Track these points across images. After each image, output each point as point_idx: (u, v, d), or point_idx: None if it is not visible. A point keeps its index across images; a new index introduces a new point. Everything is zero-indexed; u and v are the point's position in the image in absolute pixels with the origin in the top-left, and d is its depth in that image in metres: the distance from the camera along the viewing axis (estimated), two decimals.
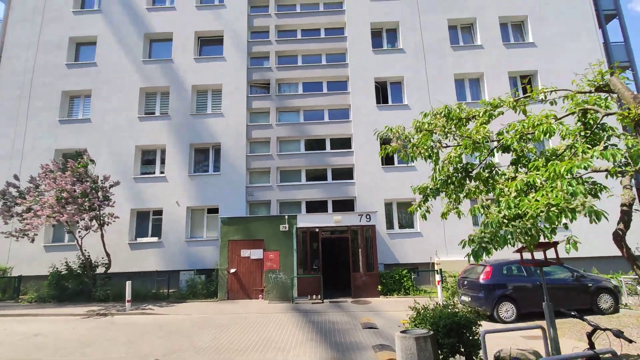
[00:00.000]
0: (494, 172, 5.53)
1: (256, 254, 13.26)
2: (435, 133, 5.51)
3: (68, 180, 12.63)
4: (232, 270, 13.10)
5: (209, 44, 18.67)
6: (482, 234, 4.00)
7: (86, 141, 16.80)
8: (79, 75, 17.73)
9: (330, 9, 18.80)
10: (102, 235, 13.68)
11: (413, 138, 5.92)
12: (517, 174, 5.37)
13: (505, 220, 3.86)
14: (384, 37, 18.56)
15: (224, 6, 18.56)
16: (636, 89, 18.54)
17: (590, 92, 4.22)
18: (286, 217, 13.54)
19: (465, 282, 10.33)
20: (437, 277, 11.48)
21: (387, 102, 17.60)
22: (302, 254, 13.87)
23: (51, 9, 18.52)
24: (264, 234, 13.41)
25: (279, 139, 17.32)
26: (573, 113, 4.31)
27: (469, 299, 9.88)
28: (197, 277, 14.01)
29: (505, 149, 5.10)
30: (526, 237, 3.66)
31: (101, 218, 13.63)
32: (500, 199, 4.25)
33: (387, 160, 16.89)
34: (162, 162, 17.08)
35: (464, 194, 5.70)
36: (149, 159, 17.41)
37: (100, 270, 14.34)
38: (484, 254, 4.08)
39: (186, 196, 16.42)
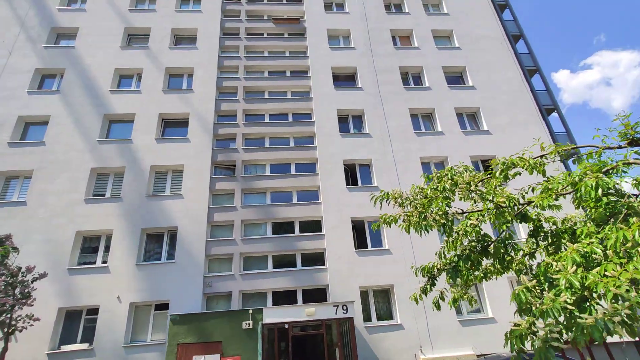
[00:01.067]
0: (509, 247, 4.66)
1: None
2: (455, 194, 4.66)
3: None
4: None
5: (173, 126, 18.17)
6: (548, 328, 2.85)
7: (16, 227, 14.47)
8: (22, 155, 16.11)
9: (297, 97, 19.45)
10: (4, 349, 10.58)
11: (409, 206, 5.01)
12: (536, 248, 4.53)
13: (568, 306, 2.81)
14: (350, 122, 19.14)
15: (191, 91, 18.63)
16: None
17: (619, 147, 3.71)
18: (250, 311, 11.57)
19: None
20: None
21: (357, 184, 17.30)
22: (269, 357, 11.62)
23: (4, 88, 17.58)
24: (222, 335, 11.20)
25: (243, 222, 15.99)
26: (611, 168, 3.70)
27: None
28: None
29: (523, 217, 4.31)
30: (626, 327, 2.59)
31: (11, 323, 10.77)
32: (550, 276, 3.24)
33: (360, 243, 15.90)
34: (107, 249, 14.86)
35: (482, 273, 4.68)
36: (91, 246, 15.14)
37: None
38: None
39: (131, 290, 13.97)
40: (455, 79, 21.00)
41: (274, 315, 11.55)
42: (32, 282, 11.28)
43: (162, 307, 14.00)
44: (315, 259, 15.79)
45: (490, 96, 19.86)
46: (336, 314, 11.69)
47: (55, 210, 15.03)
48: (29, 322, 11.29)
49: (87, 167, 16.10)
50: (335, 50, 20.70)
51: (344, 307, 11.79)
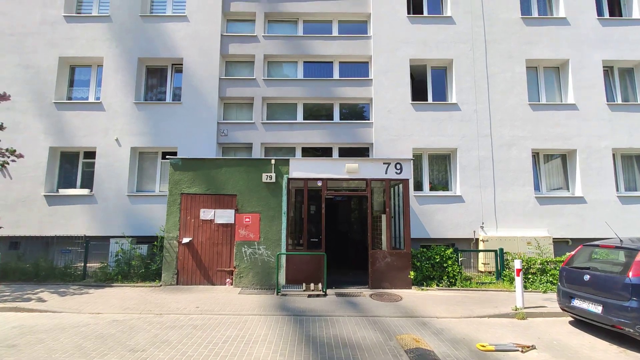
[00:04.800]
0: None
1: (224, 215, 8.57)
2: None
3: None
4: (186, 240, 8.42)
5: None
6: None
7: None
8: None
9: None
10: None
11: None
12: None
13: None
14: None
15: None
16: None
17: None
18: (273, 161, 8.75)
19: (586, 277, 5.82)
20: (516, 264, 6.98)
21: (422, 13, 12.46)
22: (296, 219, 9.29)
23: None
24: (237, 187, 8.66)
25: (267, 59, 12.20)
26: None
27: (599, 309, 5.42)
28: (132, 248, 9.31)
29: None
30: None
31: None
32: None
33: (418, 94, 12.03)
34: (99, 84, 11.89)
35: None
36: (80, 79, 12.18)
37: None
38: None
39: (132, 132, 11.43)
40: None
41: (303, 168, 8.72)
42: None
43: (171, 155, 11.57)
44: (358, 113, 12.33)
45: None
46: (386, 173, 8.71)
47: (27, 28, 11.69)
48: (8, 157, 9.08)
49: None
50: None
51: (397, 166, 8.73)
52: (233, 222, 8.55)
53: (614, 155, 11.57)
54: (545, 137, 11.48)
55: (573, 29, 11.96)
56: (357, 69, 12.32)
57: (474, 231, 11.07)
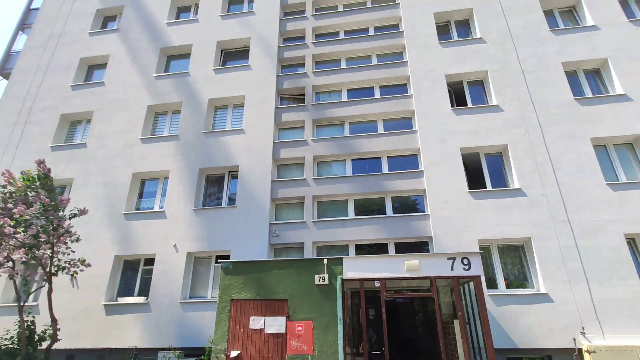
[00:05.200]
0: None
1: (274, 324, 7.83)
2: None
3: None
4: (234, 354, 7.65)
5: (233, 56, 15.43)
6: None
7: (76, 169, 13.35)
8: (83, 97, 14.96)
9: (380, 4, 15.13)
10: (49, 290, 9.04)
11: None
12: None
13: None
14: (453, 29, 14.23)
15: (252, 13, 15.61)
16: None
17: None
18: (325, 261, 8.22)
19: None
20: None
21: (466, 104, 12.60)
22: (353, 326, 8.27)
23: (68, 32, 16.69)
24: (288, 291, 8.09)
25: (316, 159, 12.66)
26: None
27: None
28: None
29: None
30: None
31: (53, 264, 9.11)
32: None
33: (475, 182, 11.40)
34: (164, 194, 12.89)
35: None
36: (149, 190, 13.36)
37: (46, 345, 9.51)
38: None
39: (189, 238, 11.79)
40: None
41: (358, 267, 8.03)
42: (69, 218, 9.44)
43: (224, 259, 11.54)
44: (411, 205, 11.81)
45: None
46: (452, 270, 7.70)
47: (112, 152, 13.52)
48: (78, 267, 9.57)
49: (144, 104, 14.28)
50: None
51: (465, 261, 7.73)
52: (284, 332, 7.74)
53: None
54: (637, 220, 9.88)
55: (637, 104, 11.20)
56: (406, 162, 12.23)
57: (574, 339, 9.00)
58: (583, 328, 9.06)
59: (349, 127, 13.18)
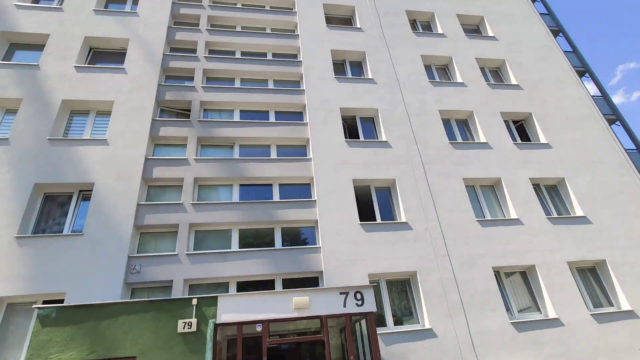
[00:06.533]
0: None
1: None
2: None
3: None
4: None
5: (106, 57, 13.00)
6: None
7: None
8: None
9: (279, 33, 14.93)
10: None
11: None
12: None
13: None
14: (347, 68, 14.73)
15: (135, 14, 13.67)
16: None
17: None
18: (194, 302, 6.46)
19: None
20: None
21: (358, 138, 12.74)
22: None
23: None
24: (139, 343, 6.00)
25: (197, 182, 10.94)
26: None
27: None
28: None
29: None
30: None
31: None
32: None
33: (365, 215, 11.21)
34: None
35: None
36: None
37: None
38: None
39: (3, 277, 8.49)
40: (473, 30, 17.27)
41: (237, 307, 6.49)
42: None
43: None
44: (303, 238, 10.92)
45: (517, 49, 16.16)
46: (345, 306, 6.83)
47: None
48: None
49: None
50: None
51: (358, 295, 6.96)
52: None
53: (570, 269, 11.08)
54: (501, 254, 10.82)
55: (496, 152, 12.84)
56: (299, 191, 11.47)
57: None
58: None
59: (239, 149, 11.94)
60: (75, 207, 10.09)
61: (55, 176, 9.99)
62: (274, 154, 11.98)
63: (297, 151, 12.26)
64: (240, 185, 11.26)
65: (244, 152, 11.96)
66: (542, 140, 13.60)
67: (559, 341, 9.66)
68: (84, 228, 9.39)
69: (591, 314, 10.22)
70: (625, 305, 10.57)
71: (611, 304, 10.89)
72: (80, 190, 10.27)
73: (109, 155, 10.52)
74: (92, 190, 10.02)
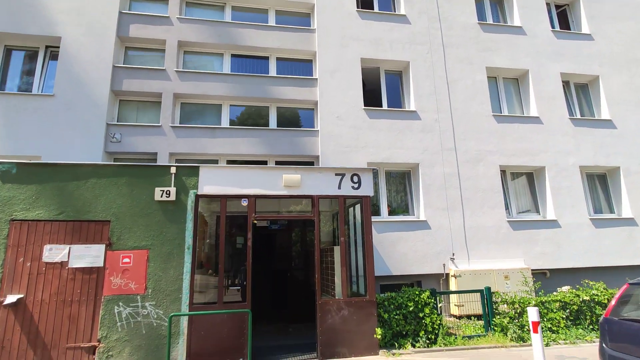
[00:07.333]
0: None
1: (85, 254, 5.34)
2: None
3: None
4: (11, 300, 4.99)
5: None
6: None
7: None
8: None
9: None
10: None
11: None
12: None
13: None
14: None
15: None
16: None
17: None
18: (173, 169, 5.82)
19: None
20: (531, 314, 4.77)
21: (373, 9, 10.80)
22: (210, 258, 6.37)
23: None
24: (112, 208, 5.54)
25: (182, 46, 9.50)
26: None
27: None
28: None
29: None
30: None
31: None
32: None
33: (371, 99, 10.07)
34: None
35: None
36: None
37: None
38: None
39: None
40: None
41: (221, 180, 5.91)
42: None
43: None
44: (301, 119, 9.98)
45: None
46: (340, 188, 6.27)
47: None
48: None
49: None
50: None
51: (355, 178, 6.36)
52: (102, 265, 5.34)
53: (581, 173, 10.46)
54: (512, 153, 10.05)
55: (530, 39, 11.06)
56: (299, 68, 10.11)
57: (444, 264, 8.95)
58: (453, 254, 9.04)
59: (231, 11, 10.14)
60: (43, 65, 8.87)
61: (16, 25, 8.51)
62: (272, 21, 10.23)
63: (300, 20, 10.48)
64: (232, 55, 9.84)
65: (237, 15, 10.18)
66: (585, 30, 11.64)
67: (552, 240, 9.56)
68: (53, 89, 8.33)
69: (590, 219, 9.95)
70: (627, 213, 10.25)
71: (612, 212, 10.59)
72: (47, 46, 8.91)
73: (77, 5, 8.84)
74: (59, 47, 8.66)
